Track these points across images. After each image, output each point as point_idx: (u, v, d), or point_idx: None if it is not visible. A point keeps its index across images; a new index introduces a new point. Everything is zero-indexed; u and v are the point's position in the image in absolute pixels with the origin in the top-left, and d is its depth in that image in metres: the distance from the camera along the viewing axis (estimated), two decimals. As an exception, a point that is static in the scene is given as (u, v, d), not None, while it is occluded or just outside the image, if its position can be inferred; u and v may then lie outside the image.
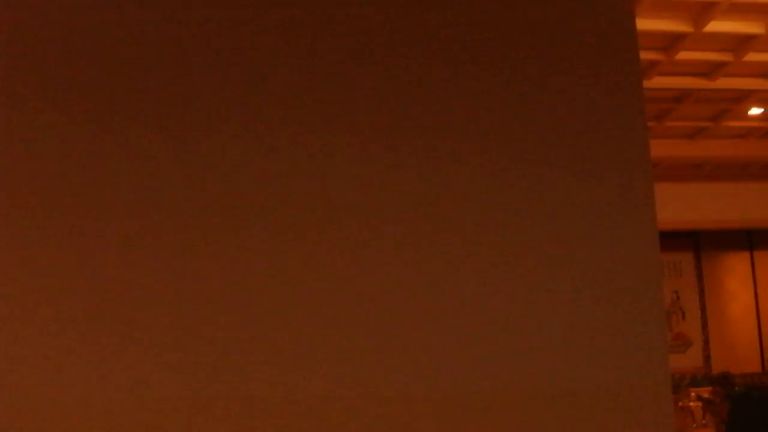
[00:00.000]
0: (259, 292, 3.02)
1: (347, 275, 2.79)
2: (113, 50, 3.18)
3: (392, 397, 2.50)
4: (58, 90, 3.18)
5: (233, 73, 3.15)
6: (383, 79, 3.05)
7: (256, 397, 2.95)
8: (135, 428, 2.98)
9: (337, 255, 2.82)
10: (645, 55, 7.08)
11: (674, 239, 10.88)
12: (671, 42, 7.18)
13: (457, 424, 2.38)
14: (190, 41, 3.15)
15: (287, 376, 3.00)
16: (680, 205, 9.79)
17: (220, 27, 3.18)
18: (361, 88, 3.07)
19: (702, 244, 11.41)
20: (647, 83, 7.13)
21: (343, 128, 3.07)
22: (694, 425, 10.17)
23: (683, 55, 7.37)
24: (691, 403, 10.19)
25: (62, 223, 3.08)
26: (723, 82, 7.91)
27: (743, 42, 7.26)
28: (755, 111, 8.81)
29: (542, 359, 2.74)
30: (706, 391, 10.33)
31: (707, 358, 11.14)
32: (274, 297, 3.01)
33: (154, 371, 3.03)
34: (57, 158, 3.16)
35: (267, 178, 3.10)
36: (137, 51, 3.15)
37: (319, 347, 2.91)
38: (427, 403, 2.51)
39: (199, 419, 2.96)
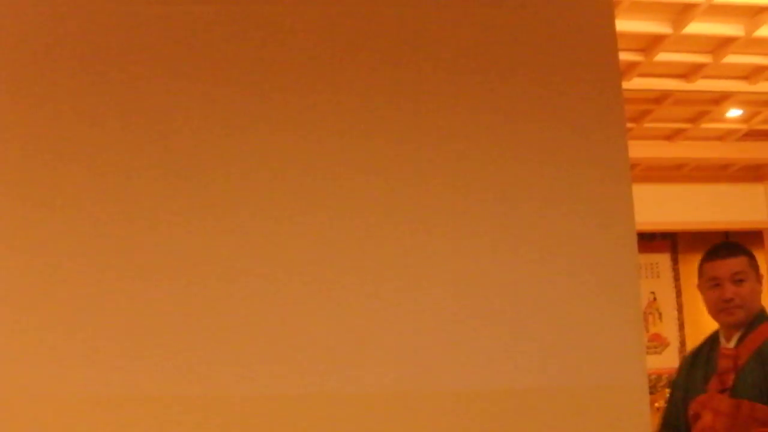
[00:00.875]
0: (252, 292, 3.01)
1: (339, 274, 2.78)
2: (109, 50, 3.16)
3: (374, 394, 2.49)
4: (49, 90, 3.16)
5: (227, 71, 3.14)
6: (373, 82, 3.05)
7: (250, 397, 2.94)
8: (128, 426, 2.96)
9: (329, 254, 2.81)
10: (624, 57, 7.09)
11: (652, 240, 10.91)
12: (650, 43, 7.19)
13: (433, 421, 2.37)
14: (184, 45, 3.14)
15: (281, 374, 2.99)
16: (658, 207, 9.81)
17: (215, 26, 3.16)
18: (348, 91, 3.06)
19: (680, 245, 11.44)
20: (626, 84, 7.13)
21: (334, 128, 3.06)
22: (671, 426, 10.18)
23: (662, 57, 7.38)
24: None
25: (56, 223, 3.06)
26: (702, 84, 7.93)
27: (723, 44, 7.27)
28: (734, 113, 8.83)
29: (518, 359, 2.74)
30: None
31: (684, 359, 11.16)
32: (267, 296, 3.00)
33: (145, 371, 3.02)
34: (48, 156, 3.14)
35: (262, 177, 3.09)
36: (132, 49, 3.13)
37: (312, 346, 2.90)
38: (407, 400, 2.51)
39: (194, 418, 2.94)
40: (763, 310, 2.26)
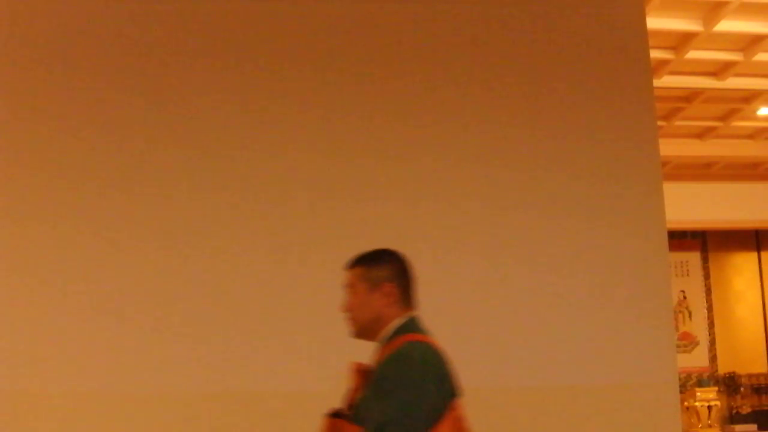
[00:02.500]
0: (258, 291, 3.02)
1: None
2: (114, 53, 3.18)
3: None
4: (56, 93, 3.18)
5: (231, 68, 3.15)
6: (391, 81, 3.05)
7: (256, 392, 2.95)
8: (136, 421, 2.97)
9: (335, 256, 2.82)
10: (655, 55, 7.06)
11: (682, 239, 10.85)
12: (681, 41, 7.15)
13: (471, 416, 2.38)
14: (191, 47, 3.15)
15: (287, 372, 3.00)
16: (688, 205, 9.76)
17: (218, 26, 3.18)
18: (373, 101, 3.06)
19: (709, 243, 11.37)
20: (657, 82, 7.09)
21: (349, 127, 3.06)
22: (700, 425, 10.15)
23: (693, 55, 7.34)
24: (697, 403, 10.17)
25: (61, 223, 3.08)
26: (733, 82, 7.88)
27: (753, 42, 7.23)
28: (764, 111, 8.77)
29: (551, 357, 2.74)
30: (712, 392, 10.31)
31: (713, 358, 11.10)
32: (274, 295, 3.01)
33: (153, 367, 3.03)
34: (53, 159, 3.16)
35: (265, 178, 3.10)
36: (138, 52, 3.15)
37: (327, 347, 2.91)
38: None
39: (198, 413, 2.96)
40: (404, 325, 2.18)
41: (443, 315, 2.58)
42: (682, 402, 9.69)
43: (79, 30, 3.12)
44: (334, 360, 2.68)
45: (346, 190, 2.93)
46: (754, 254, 11.43)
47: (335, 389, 2.33)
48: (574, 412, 2.52)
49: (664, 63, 7.40)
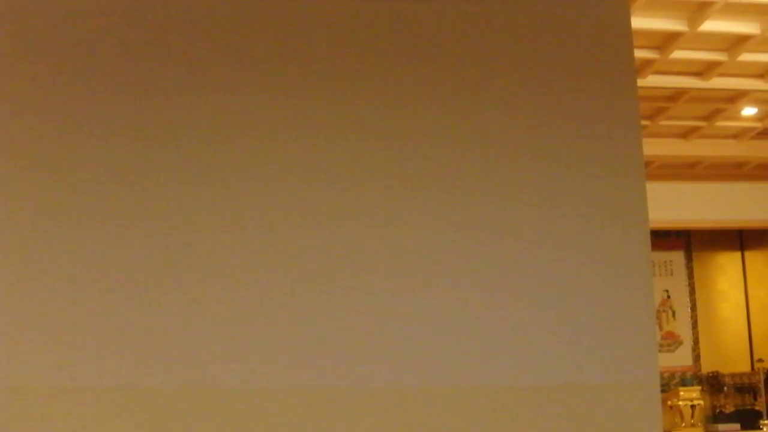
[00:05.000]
0: (264, 290, 3.01)
1: (349, 273, 2.78)
2: (116, 51, 3.17)
3: (394, 391, 2.50)
4: (57, 90, 3.16)
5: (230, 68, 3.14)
6: (383, 81, 3.05)
7: (263, 390, 2.95)
8: (137, 420, 2.97)
9: (338, 254, 2.81)
10: (639, 54, 7.07)
11: (665, 238, 10.88)
12: (666, 41, 7.17)
13: (446, 416, 2.37)
14: (191, 51, 3.14)
15: (292, 370, 2.99)
16: (672, 205, 9.79)
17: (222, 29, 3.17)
18: (358, 90, 3.06)
19: (693, 243, 11.41)
20: (641, 82, 7.12)
21: (343, 128, 3.06)
22: (683, 424, 10.19)
23: (678, 54, 7.36)
24: (680, 403, 10.20)
25: (61, 222, 3.06)
26: (717, 82, 7.90)
27: (738, 42, 7.26)
28: (749, 111, 8.80)
29: (531, 356, 2.74)
30: (695, 391, 10.35)
31: (697, 357, 11.14)
32: (279, 294, 3.00)
33: (157, 366, 3.02)
34: (61, 158, 3.14)
35: (267, 179, 3.09)
36: (139, 52, 3.14)
37: (323, 343, 2.91)
38: (421, 395, 2.51)
39: (203, 412, 2.95)
40: None
41: (421, 313, 2.57)
42: (665, 401, 9.73)
43: (72, 22, 3.11)
44: (335, 358, 2.68)
45: (350, 183, 2.92)
46: (738, 254, 11.48)
47: (336, 388, 2.33)
48: (554, 411, 2.51)
49: (648, 62, 7.42)
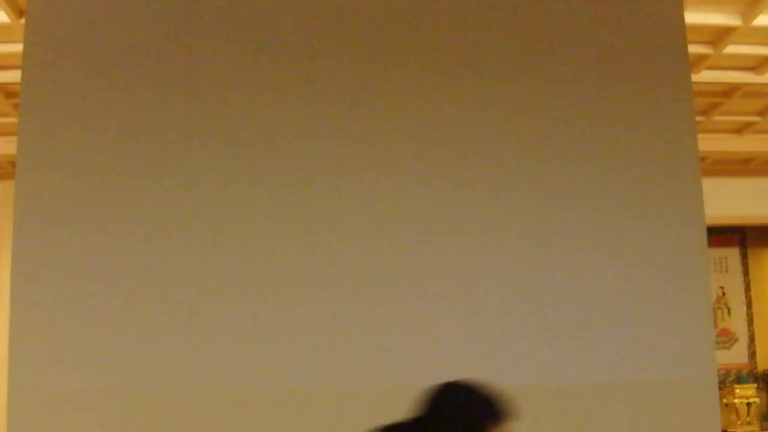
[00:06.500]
0: (274, 289, 3.03)
1: (366, 276, 2.80)
2: (136, 59, 3.20)
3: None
4: (80, 97, 3.20)
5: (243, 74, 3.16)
6: (427, 83, 3.05)
7: (273, 389, 2.96)
8: (138, 419, 3.00)
9: (357, 253, 2.82)
10: (693, 49, 7.02)
11: (720, 235, 10.78)
12: (719, 35, 7.11)
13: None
14: (214, 38, 3.16)
15: (302, 369, 3.01)
16: (727, 201, 9.69)
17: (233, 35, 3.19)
18: (406, 93, 3.06)
19: (748, 239, 11.29)
20: (695, 77, 7.06)
21: (380, 133, 3.07)
22: (739, 422, 10.09)
23: (731, 49, 7.30)
24: (736, 400, 10.11)
25: (77, 226, 3.10)
26: (772, 77, 7.83)
27: (792, 36, 7.19)
28: (804, 106, 8.71)
29: (591, 355, 2.73)
30: (751, 388, 10.25)
31: (752, 354, 11.03)
32: (289, 294, 3.02)
33: (158, 364, 3.05)
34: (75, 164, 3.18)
35: (277, 178, 3.10)
36: (157, 58, 3.17)
37: (333, 343, 2.92)
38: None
39: (201, 410, 2.98)
40: None
41: (478, 310, 2.58)
42: (721, 399, 9.63)
43: (102, 25, 3.14)
44: (340, 357, 2.70)
45: (374, 180, 2.93)
46: (794, 250, 11.36)
47: (341, 386, 2.34)
48: (613, 409, 2.51)
49: (702, 58, 7.36)
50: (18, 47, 4.28)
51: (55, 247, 3.11)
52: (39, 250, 3.11)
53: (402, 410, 2.23)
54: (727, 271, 11.18)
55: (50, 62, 3.16)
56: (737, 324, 11.09)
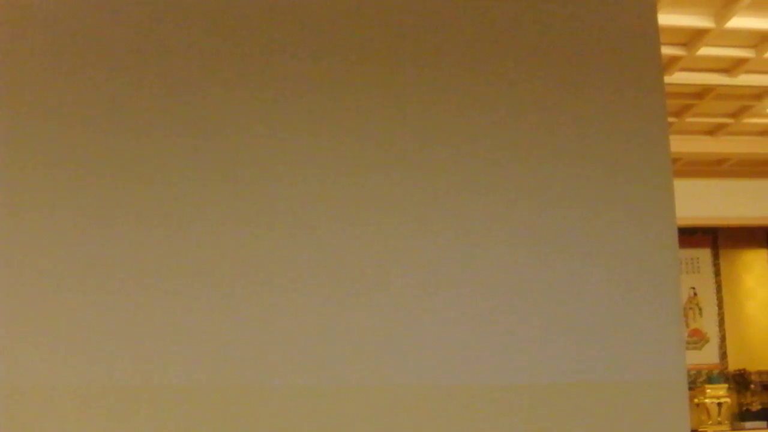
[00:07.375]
0: (271, 287, 3.02)
1: (362, 272, 2.79)
2: (118, 53, 3.18)
3: (410, 389, 2.50)
4: (58, 90, 3.18)
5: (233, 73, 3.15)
6: (407, 81, 3.05)
7: (271, 387, 2.96)
8: (138, 417, 2.99)
9: (350, 252, 2.82)
10: (666, 51, 7.06)
11: (692, 235, 10.85)
12: (693, 37, 7.15)
13: (473, 414, 2.38)
14: (197, 53, 3.16)
15: (301, 368, 3.00)
16: (699, 202, 9.76)
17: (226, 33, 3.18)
18: (389, 96, 3.07)
19: (720, 240, 11.37)
20: (668, 79, 7.11)
21: (379, 126, 3.07)
22: (710, 422, 10.16)
23: (705, 51, 7.34)
24: (707, 400, 10.18)
25: (67, 220, 3.08)
26: (744, 79, 7.88)
27: (765, 38, 7.23)
28: (776, 108, 8.78)
29: (556, 354, 2.74)
30: (722, 389, 10.32)
31: (723, 355, 11.11)
32: (287, 292, 3.01)
33: (166, 362, 3.04)
34: (59, 158, 3.16)
35: (274, 176, 3.10)
36: (145, 53, 3.15)
37: (330, 341, 2.92)
38: (450, 393, 2.52)
39: (212, 409, 2.97)
40: None
41: (448, 310, 2.58)
42: (692, 399, 9.70)
43: (84, 19, 3.12)
44: (340, 355, 2.69)
45: (366, 181, 2.93)
46: (765, 251, 11.44)
47: (341, 386, 2.34)
48: (581, 409, 2.51)
49: (675, 59, 7.41)
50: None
51: (34, 238, 3.09)
52: (17, 241, 3.08)
53: (402, 410, 2.22)
54: (698, 272, 11.26)
55: (16, 49, 3.14)
56: (709, 324, 11.17)
